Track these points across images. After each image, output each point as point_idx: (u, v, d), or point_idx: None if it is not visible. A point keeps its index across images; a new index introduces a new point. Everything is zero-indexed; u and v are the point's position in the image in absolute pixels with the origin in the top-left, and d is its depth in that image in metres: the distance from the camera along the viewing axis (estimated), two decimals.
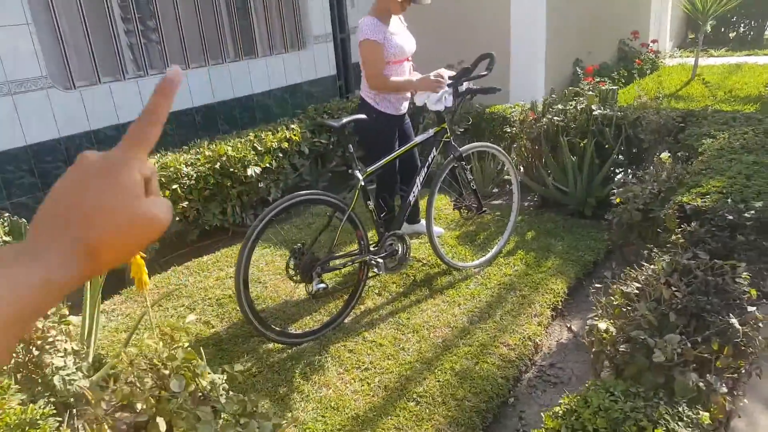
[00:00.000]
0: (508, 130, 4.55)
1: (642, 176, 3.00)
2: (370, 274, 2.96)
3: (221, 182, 3.74)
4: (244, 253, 2.45)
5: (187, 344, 1.65)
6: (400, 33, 3.17)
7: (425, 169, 3.12)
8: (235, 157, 3.81)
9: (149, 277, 3.42)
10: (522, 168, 4.61)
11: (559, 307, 3.06)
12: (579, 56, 7.46)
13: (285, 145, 4.20)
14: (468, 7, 6.67)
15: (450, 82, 3.03)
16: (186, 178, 3.51)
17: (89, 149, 0.54)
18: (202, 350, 1.95)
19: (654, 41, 9.18)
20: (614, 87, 4.13)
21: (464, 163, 3.23)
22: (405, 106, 3.34)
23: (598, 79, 7.18)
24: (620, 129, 4.03)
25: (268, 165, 4.04)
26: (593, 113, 3.97)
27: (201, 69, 5.16)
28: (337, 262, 2.83)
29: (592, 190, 4.14)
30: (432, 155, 3.13)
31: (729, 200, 2.34)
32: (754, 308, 1.77)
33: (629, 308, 1.87)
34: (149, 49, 4.89)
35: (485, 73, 3.15)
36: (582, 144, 4.11)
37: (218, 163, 3.71)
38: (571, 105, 4.22)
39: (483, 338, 2.73)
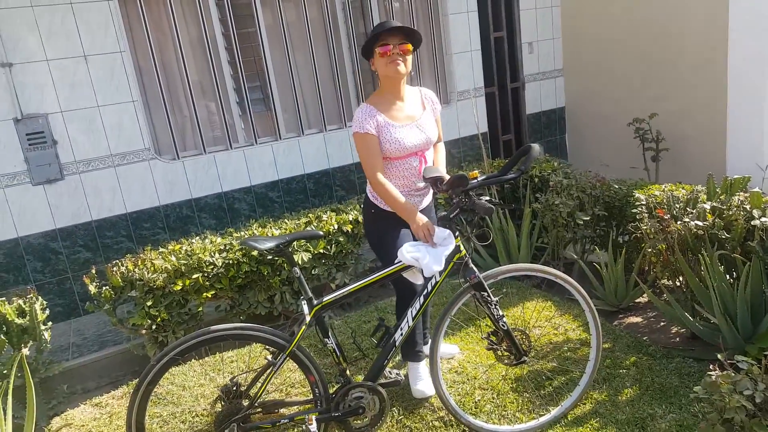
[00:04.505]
0: (642, 228, 3.28)
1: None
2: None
3: (257, 270, 3.40)
4: (135, 401, 2.00)
5: None
6: (406, 121, 2.40)
7: (420, 299, 2.29)
8: None
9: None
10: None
11: None
12: None
13: (349, 227, 3.68)
14: (671, 41, 5.14)
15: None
16: (212, 267, 3.25)
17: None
18: None
19: None
20: None
21: (486, 293, 2.29)
22: (421, 201, 2.54)
23: None
24: None
25: (322, 251, 3.58)
26: (752, 222, 2.57)
27: (317, 135, 5.00)
28: (268, 418, 2.19)
29: (752, 333, 2.71)
30: (432, 282, 2.29)
31: None
32: None
33: None
34: (262, 117, 4.89)
35: (513, 175, 2.21)
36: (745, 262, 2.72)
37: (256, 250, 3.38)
38: (734, 203, 2.84)
39: None
